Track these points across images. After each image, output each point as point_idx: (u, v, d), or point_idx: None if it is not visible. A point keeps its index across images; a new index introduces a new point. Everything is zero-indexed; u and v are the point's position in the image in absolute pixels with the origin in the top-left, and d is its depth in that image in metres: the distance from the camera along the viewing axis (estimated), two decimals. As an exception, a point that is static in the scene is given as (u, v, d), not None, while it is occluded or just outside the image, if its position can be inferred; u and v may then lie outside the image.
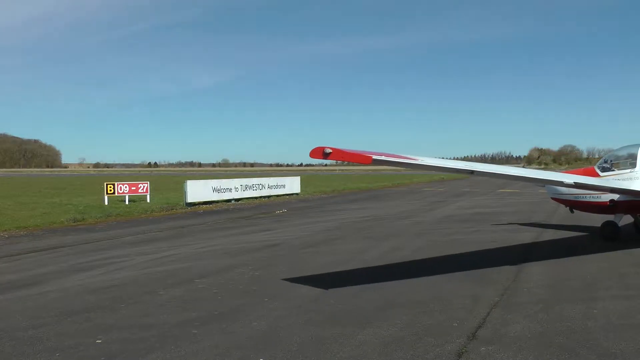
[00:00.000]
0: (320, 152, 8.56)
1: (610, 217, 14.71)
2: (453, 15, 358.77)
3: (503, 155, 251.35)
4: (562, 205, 16.77)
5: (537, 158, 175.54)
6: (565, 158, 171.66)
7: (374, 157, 9.25)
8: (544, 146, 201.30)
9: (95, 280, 10.07)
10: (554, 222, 18.59)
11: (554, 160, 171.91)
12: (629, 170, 14.17)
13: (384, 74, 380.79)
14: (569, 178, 13.50)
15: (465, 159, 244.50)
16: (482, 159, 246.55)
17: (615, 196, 14.05)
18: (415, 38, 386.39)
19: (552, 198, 16.58)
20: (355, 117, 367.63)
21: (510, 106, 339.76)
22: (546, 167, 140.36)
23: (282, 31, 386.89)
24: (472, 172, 11.23)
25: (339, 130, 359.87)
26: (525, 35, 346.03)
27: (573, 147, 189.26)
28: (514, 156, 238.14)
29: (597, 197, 14.56)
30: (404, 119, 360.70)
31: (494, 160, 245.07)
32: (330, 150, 8.69)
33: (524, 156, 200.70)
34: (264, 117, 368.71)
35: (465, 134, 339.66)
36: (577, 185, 13.23)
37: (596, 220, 16.95)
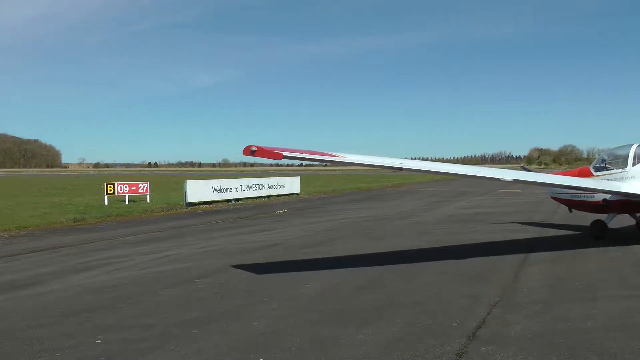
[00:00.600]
0: (248, 150, 9.58)
1: (600, 216, 14.87)
2: (453, 15, 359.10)
3: (503, 155, 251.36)
4: (563, 205, 16.85)
5: (537, 158, 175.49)
6: (565, 158, 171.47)
7: (284, 153, 10.15)
8: (544, 146, 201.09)
9: (95, 280, 10.07)
10: (554, 222, 18.59)
11: (554, 160, 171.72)
12: (620, 170, 14.30)
13: (384, 73, 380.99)
14: (509, 175, 13.36)
15: (465, 159, 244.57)
16: (482, 159, 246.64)
17: (608, 195, 14.11)
18: (415, 38, 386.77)
19: (552, 197, 16.67)
20: (354, 117, 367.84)
21: (510, 106, 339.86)
22: (546, 167, 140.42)
23: (282, 31, 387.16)
24: (401, 168, 11.42)
25: (339, 129, 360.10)
26: (526, 35, 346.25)
27: (573, 147, 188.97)
28: (514, 156, 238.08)
29: (591, 196, 14.67)
30: (404, 119, 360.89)
31: (493, 160, 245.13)
32: (255, 149, 9.71)
33: (524, 156, 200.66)
34: (264, 117, 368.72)
35: (465, 134, 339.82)
36: (517, 182, 13.22)
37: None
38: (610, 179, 14.32)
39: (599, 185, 14.30)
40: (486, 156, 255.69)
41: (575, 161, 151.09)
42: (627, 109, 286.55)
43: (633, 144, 14.31)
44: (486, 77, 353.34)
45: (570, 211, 16.16)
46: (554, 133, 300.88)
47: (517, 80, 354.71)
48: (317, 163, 14.13)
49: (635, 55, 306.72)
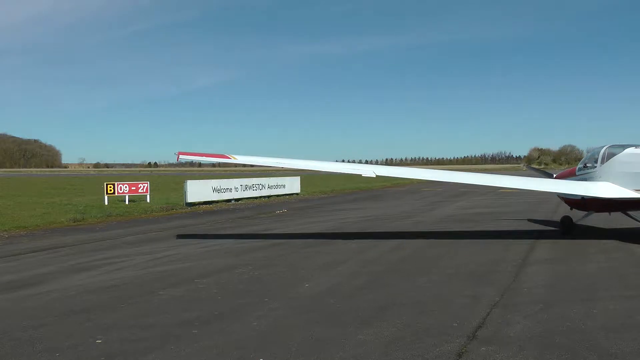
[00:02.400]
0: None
1: (569, 213, 16.14)
2: (452, 15, 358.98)
3: (503, 155, 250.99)
4: (562, 205, 17.25)
5: (537, 158, 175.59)
6: (566, 158, 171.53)
7: (181, 156, 13.61)
8: (544, 146, 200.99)
9: (95, 280, 10.07)
10: (553, 221, 18.59)
11: (554, 160, 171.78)
12: (591, 170, 15.19)
13: (384, 73, 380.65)
14: (371, 170, 15.69)
15: (466, 159, 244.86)
16: (482, 159, 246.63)
17: (584, 194, 14.89)
18: (414, 38, 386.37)
19: (557, 195, 17.54)
20: (353, 117, 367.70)
21: (510, 106, 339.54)
22: (546, 167, 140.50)
23: (282, 31, 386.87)
24: (282, 167, 14.41)
25: (338, 129, 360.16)
26: (525, 35, 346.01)
27: (573, 147, 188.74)
28: (514, 156, 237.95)
29: (574, 195, 15.44)
30: (404, 119, 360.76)
31: (494, 160, 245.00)
32: (176, 153, 13.34)
33: (524, 156, 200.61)
34: (264, 117, 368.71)
35: (465, 134, 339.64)
36: (378, 177, 15.52)
37: (596, 220, 17.02)
38: (585, 179, 15.24)
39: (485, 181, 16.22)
40: (486, 156, 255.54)
41: (575, 161, 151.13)
42: (628, 108, 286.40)
43: (605, 145, 15.08)
44: (486, 77, 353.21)
45: (571, 209, 16.43)
46: (554, 133, 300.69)
47: (517, 80, 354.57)
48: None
49: (635, 54, 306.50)
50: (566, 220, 15.66)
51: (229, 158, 14.15)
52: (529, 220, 19.42)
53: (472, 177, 16.81)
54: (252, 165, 17.35)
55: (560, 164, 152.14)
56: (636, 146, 14.35)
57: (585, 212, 15.54)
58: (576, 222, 15.57)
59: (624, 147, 14.49)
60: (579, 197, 15.05)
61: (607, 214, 16.29)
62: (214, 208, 27.24)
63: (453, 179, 17.49)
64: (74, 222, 20.72)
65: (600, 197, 14.17)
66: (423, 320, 7.16)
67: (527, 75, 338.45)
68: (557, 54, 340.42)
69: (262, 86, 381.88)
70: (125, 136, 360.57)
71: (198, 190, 28.63)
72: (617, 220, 16.55)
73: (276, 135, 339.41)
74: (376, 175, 14.97)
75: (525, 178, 17.47)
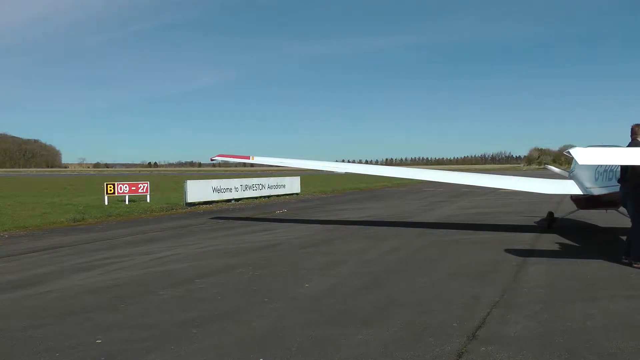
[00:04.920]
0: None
1: (552, 209, 17.68)
2: (452, 16, 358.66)
3: (503, 155, 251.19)
4: (562, 205, 17.52)
5: (537, 158, 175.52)
6: (565, 158, 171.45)
7: (215, 157, 16.51)
8: (544, 146, 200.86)
9: (95, 280, 10.07)
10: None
11: (554, 160, 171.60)
12: (571, 169, 16.46)
13: (384, 74, 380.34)
14: (343, 168, 19.07)
15: (465, 159, 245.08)
16: (482, 159, 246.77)
17: (562, 192, 16.31)
18: (414, 38, 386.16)
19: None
20: (354, 117, 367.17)
21: (510, 106, 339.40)
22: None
23: (282, 31, 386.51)
24: (278, 165, 17.43)
25: (338, 129, 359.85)
26: (525, 35, 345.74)
27: (573, 147, 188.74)
28: (514, 156, 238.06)
29: (559, 193, 16.88)
30: (404, 119, 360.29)
31: (494, 160, 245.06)
32: (213, 157, 15.92)
33: (524, 156, 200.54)
34: (264, 117, 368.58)
35: (465, 134, 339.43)
36: (378, 177, 18.51)
37: (596, 220, 17.02)
38: (571, 177, 16.38)
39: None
40: (486, 156, 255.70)
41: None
42: (627, 108, 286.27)
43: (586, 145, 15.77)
44: (486, 77, 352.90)
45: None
46: (554, 133, 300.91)
47: (517, 80, 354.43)
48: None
49: (635, 55, 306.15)
50: (548, 215, 16.81)
51: (249, 158, 18.86)
52: (529, 219, 19.40)
53: (444, 175, 18.49)
54: (267, 165, 22.31)
55: (560, 164, 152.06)
56: (600, 146, 14.69)
57: (575, 209, 16.50)
58: (562, 217, 16.84)
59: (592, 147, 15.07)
60: (569, 195, 16.33)
61: (604, 211, 16.61)
62: (214, 208, 27.23)
63: (424, 177, 18.71)
64: (74, 222, 20.71)
65: (569, 194, 15.89)
66: (423, 320, 7.15)
67: (527, 75, 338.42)
68: (557, 53, 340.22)
69: (262, 86, 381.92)
70: (125, 136, 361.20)
71: (198, 190, 28.62)
72: (618, 220, 16.54)
73: (276, 135, 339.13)
74: (345, 173, 19.51)
75: (518, 178, 18.03)
